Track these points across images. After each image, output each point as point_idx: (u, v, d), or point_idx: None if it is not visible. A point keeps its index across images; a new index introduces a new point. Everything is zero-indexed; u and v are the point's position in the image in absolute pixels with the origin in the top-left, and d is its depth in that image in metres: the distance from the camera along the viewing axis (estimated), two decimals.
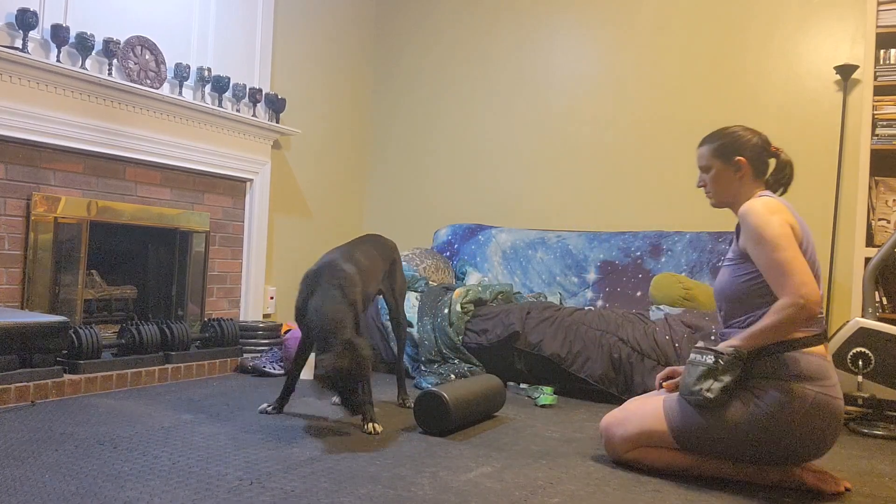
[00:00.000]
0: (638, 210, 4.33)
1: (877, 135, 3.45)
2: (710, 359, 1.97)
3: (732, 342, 1.98)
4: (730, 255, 2.13)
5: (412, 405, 2.58)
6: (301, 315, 2.54)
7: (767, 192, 2.14)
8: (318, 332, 2.37)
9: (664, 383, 2.24)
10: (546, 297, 3.94)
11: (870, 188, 3.48)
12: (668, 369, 2.30)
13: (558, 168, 4.59)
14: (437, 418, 2.46)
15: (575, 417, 2.89)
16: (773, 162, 2.19)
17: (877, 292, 3.38)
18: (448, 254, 4.50)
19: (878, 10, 3.46)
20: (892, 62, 3.46)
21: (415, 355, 3.56)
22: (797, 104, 3.98)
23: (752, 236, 1.99)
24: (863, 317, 3.03)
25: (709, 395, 1.95)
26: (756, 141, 2.17)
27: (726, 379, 1.95)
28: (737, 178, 2.15)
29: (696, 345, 2.08)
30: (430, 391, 2.50)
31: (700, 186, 2.24)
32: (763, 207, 2.01)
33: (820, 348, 1.99)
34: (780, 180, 2.19)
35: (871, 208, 3.48)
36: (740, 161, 2.14)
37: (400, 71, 5.14)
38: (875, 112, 3.45)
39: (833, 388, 1.96)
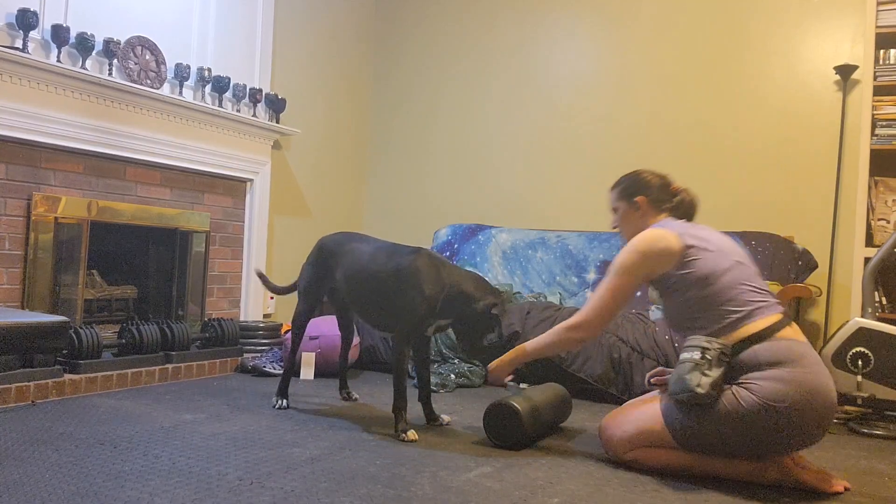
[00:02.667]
0: None
1: (876, 135, 3.46)
2: (696, 354, 2.00)
3: (512, 353, 2.38)
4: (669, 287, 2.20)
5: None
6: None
7: (666, 221, 2.27)
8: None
9: (653, 380, 2.31)
10: (546, 297, 3.94)
11: (869, 188, 3.48)
12: (657, 369, 2.35)
13: (558, 168, 4.60)
14: (510, 431, 2.33)
15: (575, 418, 2.89)
16: (676, 199, 2.34)
17: (876, 292, 3.39)
18: (448, 254, 4.50)
19: (877, 11, 3.46)
20: (891, 62, 3.47)
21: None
22: (797, 104, 3.98)
23: (614, 262, 2.24)
24: (862, 317, 3.03)
25: (699, 390, 1.96)
26: (657, 182, 2.34)
27: (713, 374, 1.98)
28: (638, 217, 2.33)
29: (685, 344, 2.09)
30: (502, 403, 2.35)
31: (613, 227, 2.43)
32: (634, 247, 2.19)
33: (788, 331, 2.04)
34: (679, 216, 2.32)
35: (870, 208, 3.49)
36: (639, 201, 2.32)
37: (400, 71, 5.14)
38: (875, 112, 3.46)
39: (815, 366, 1.99)
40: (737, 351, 2.02)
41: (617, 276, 2.20)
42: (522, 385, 3.37)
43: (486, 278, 4.25)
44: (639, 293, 3.88)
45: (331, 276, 2.76)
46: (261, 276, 3.16)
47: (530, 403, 2.40)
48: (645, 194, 2.31)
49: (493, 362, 2.43)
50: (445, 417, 2.66)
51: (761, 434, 1.97)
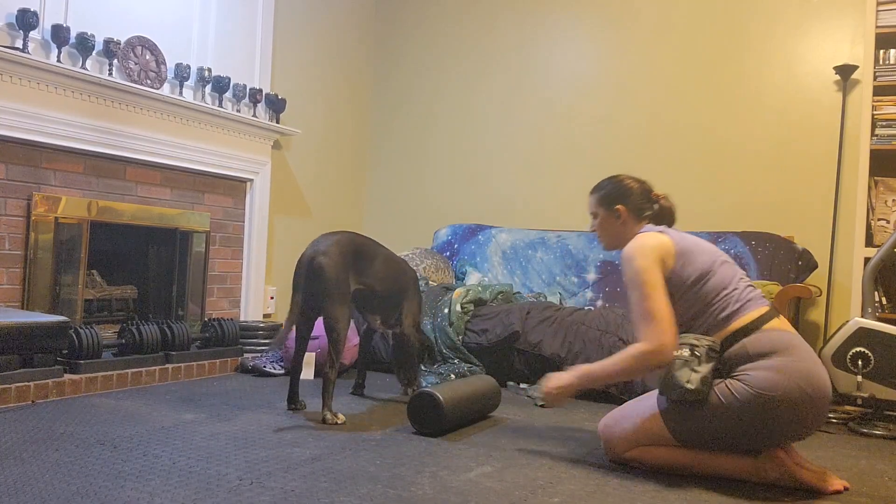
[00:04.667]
0: None
1: (876, 135, 3.46)
2: (685, 352, 2.02)
3: (579, 376, 2.20)
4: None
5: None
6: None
7: (649, 227, 2.26)
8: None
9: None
10: (546, 297, 3.94)
11: (869, 188, 3.48)
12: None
13: (558, 168, 4.60)
14: (432, 418, 2.45)
15: (575, 417, 2.89)
16: (656, 206, 2.33)
17: (876, 292, 3.39)
18: (448, 254, 4.50)
19: (877, 11, 3.46)
20: (891, 62, 3.47)
21: None
22: (797, 104, 3.98)
23: (627, 280, 2.15)
24: (862, 317, 3.03)
25: (689, 386, 1.98)
26: (637, 189, 2.32)
27: (703, 370, 1.99)
28: (619, 225, 2.31)
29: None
30: (423, 391, 2.49)
31: (592, 231, 2.40)
32: (636, 251, 2.14)
33: (776, 322, 2.06)
34: (662, 223, 2.32)
35: (870, 208, 3.49)
36: (619, 210, 2.29)
37: (400, 71, 5.15)
38: (874, 112, 3.46)
39: (806, 355, 2.01)
40: (726, 346, 2.05)
41: (645, 286, 2.09)
42: (522, 386, 3.38)
43: (486, 278, 4.27)
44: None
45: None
46: (276, 343, 3.13)
47: (453, 393, 2.53)
48: (625, 203, 2.29)
49: (551, 386, 2.25)
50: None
51: (757, 425, 1.98)
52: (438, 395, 2.46)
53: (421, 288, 3.85)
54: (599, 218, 2.35)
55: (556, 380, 2.24)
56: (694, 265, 2.12)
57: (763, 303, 2.11)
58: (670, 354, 2.03)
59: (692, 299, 2.10)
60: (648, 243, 2.15)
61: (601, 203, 2.34)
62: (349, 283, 2.67)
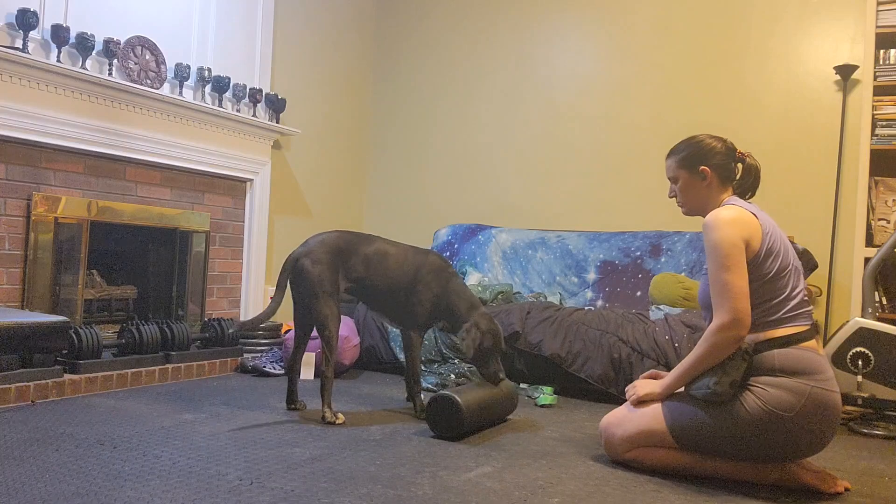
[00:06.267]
0: (638, 210, 4.33)
1: (876, 135, 3.46)
2: None
3: (666, 381, 2.11)
4: (706, 264, 2.15)
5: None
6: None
7: (735, 198, 2.16)
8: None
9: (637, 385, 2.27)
10: (546, 297, 3.94)
11: (869, 188, 3.48)
12: (650, 372, 2.33)
13: (558, 168, 4.60)
14: (451, 422, 2.41)
15: (575, 417, 2.89)
16: (740, 167, 2.22)
17: (876, 292, 3.39)
18: (448, 254, 4.50)
19: (877, 11, 3.46)
20: (891, 62, 3.47)
21: None
22: (797, 104, 3.98)
23: (708, 249, 2.05)
24: (862, 317, 3.03)
25: (718, 388, 1.95)
26: (720, 148, 2.20)
27: (734, 374, 1.96)
28: (704, 187, 2.18)
29: None
30: (443, 394, 2.42)
31: (671, 197, 2.27)
32: (722, 221, 2.03)
33: (812, 342, 2.01)
34: (746, 185, 2.21)
35: (870, 208, 3.49)
36: (705, 171, 2.17)
37: (400, 71, 5.14)
38: (875, 112, 3.46)
39: (829, 382, 1.97)
40: (758, 350, 2.00)
41: (726, 258, 1.98)
42: (522, 385, 3.38)
43: (486, 278, 4.27)
44: (638, 293, 3.89)
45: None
46: (241, 327, 2.84)
47: (472, 396, 2.48)
48: (710, 163, 2.16)
49: (643, 389, 2.16)
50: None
51: (761, 440, 1.97)
52: (458, 398, 2.41)
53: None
54: (681, 182, 2.20)
55: (645, 390, 2.15)
56: (775, 260, 2.04)
57: (808, 321, 2.04)
58: (746, 327, 1.95)
59: (754, 293, 2.01)
60: (740, 217, 2.03)
61: (683, 164, 2.19)
62: (337, 281, 2.66)
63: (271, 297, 2.65)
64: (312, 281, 2.61)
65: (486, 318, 2.72)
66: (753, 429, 1.95)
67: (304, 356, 3.44)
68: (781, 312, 2.01)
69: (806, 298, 2.07)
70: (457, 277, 2.83)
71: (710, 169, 2.17)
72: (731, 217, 2.04)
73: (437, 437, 2.43)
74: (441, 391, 2.47)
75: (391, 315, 2.83)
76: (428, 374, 3.39)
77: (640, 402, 2.15)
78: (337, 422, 2.56)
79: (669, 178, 2.25)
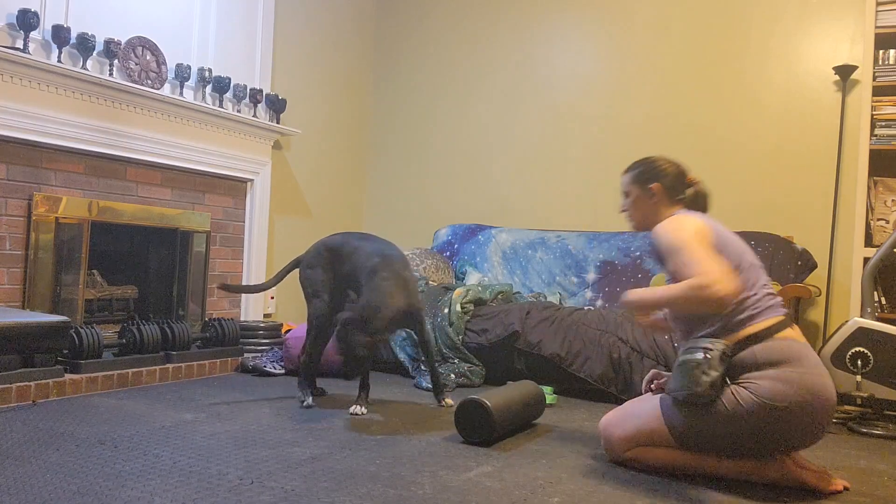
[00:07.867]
0: None
1: (875, 135, 3.46)
2: (699, 355, 1.99)
3: (629, 296, 2.09)
4: (667, 277, 2.17)
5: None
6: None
7: (682, 210, 2.23)
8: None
9: (653, 385, 2.29)
10: (546, 297, 3.94)
11: (868, 188, 3.48)
12: (652, 372, 2.34)
13: (558, 168, 4.60)
14: (481, 427, 2.37)
15: (575, 417, 2.89)
16: (690, 190, 2.29)
17: (875, 292, 3.39)
18: (448, 254, 4.51)
19: (876, 11, 3.47)
20: (890, 62, 3.47)
21: (415, 354, 3.57)
22: (796, 104, 3.99)
23: (664, 250, 2.07)
24: (861, 316, 3.03)
25: (698, 389, 1.96)
26: (672, 171, 2.28)
27: (714, 374, 1.97)
28: (652, 203, 2.27)
29: (687, 345, 2.08)
30: (472, 399, 2.38)
31: (623, 211, 2.36)
32: (670, 226, 2.10)
33: (789, 331, 2.03)
34: (696, 208, 2.27)
35: (869, 208, 3.49)
36: (654, 188, 2.26)
37: (400, 71, 5.15)
38: (874, 112, 3.46)
39: (816, 367, 1.98)
40: (736, 350, 2.01)
41: (687, 248, 1.99)
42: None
43: (486, 278, 4.28)
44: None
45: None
46: (225, 287, 3.10)
47: (501, 399, 2.44)
48: (660, 182, 2.25)
49: (633, 296, 2.12)
50: (449, 401, 2.93)
51: (760, 433, 1.97)
52: (488, 402, 2.36)
53: (420, 288, 3.83)
54: (632, 196, 2.30)
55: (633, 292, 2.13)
56: (728, 256, 2.05)
57: (779, 311, 2.06)
58: (723, 292, 1.88)
59: None
60: (687, 221, 2.10)
61: (635, 181, 2.30)
62: (326, 281, 2.87)
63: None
64: (301, 281, 2.92)
65: (353, 319, 2.54)
66: (752, 423, 1.96)
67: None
68: (749, 309, 2.03)
69: (771, 292, 2.09)
70: (390, 281, 2.62)
71: (659, 186, 2.26)
72: (680, 221, 2.12)
73: (465, 442, 2.39)
74: (471, 396, 2.41)
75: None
76: (427, 373, 3.38)
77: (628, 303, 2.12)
78: (302, 405, 2.78)
79: (623, 193, 2.35)
